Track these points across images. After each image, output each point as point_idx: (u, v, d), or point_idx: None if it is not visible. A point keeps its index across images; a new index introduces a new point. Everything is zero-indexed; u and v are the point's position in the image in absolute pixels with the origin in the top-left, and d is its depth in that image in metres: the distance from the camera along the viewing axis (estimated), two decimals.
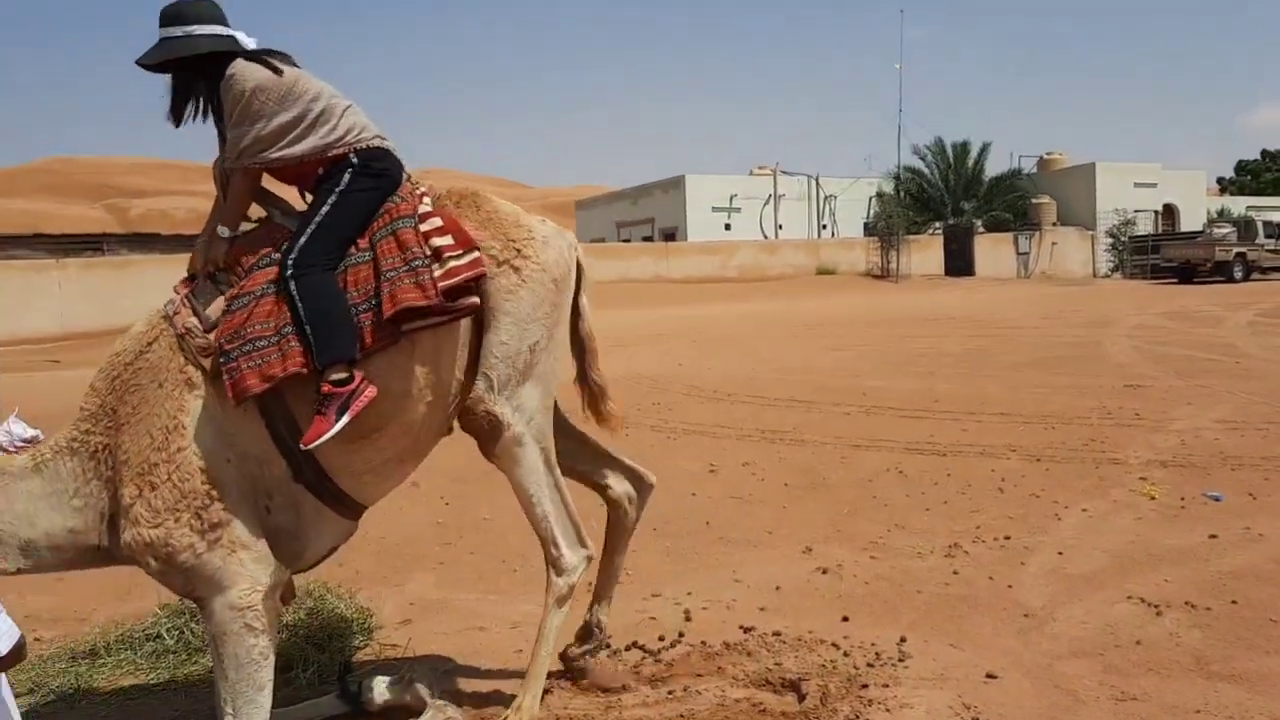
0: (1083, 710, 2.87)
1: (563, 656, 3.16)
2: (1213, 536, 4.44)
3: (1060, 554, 4.31)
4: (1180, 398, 8.23)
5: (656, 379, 10.67)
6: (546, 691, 2.92)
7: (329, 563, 3.03)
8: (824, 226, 40.45)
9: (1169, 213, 41.75)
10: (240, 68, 2.56)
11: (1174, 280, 30.92)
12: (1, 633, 1.91)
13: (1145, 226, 39.17)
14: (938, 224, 39.01)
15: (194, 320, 2.53)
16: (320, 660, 3.25)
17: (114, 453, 2.49)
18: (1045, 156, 43.70)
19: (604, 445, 3.21)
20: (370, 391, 2.48)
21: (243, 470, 2.50)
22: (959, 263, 35.83)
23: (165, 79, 2.68)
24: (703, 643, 3.42)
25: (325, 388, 2.44)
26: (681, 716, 2.89)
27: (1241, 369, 9.96)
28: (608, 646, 3.32)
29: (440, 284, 2.52)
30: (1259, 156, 63.00)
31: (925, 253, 35.80)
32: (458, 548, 4.84)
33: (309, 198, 2.72)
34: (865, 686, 3.02)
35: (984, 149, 40.97)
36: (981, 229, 37.70)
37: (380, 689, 2.84)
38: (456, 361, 2.67)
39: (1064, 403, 8.15)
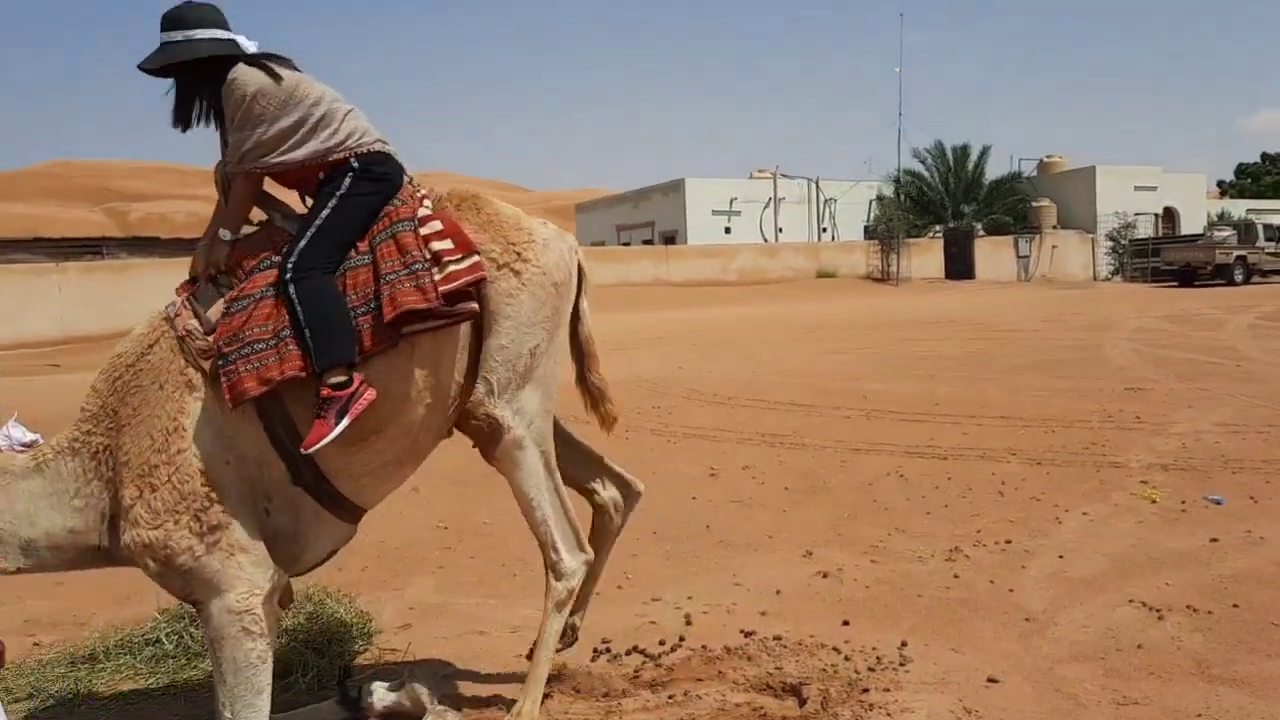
0: (1084, 714, 2.87)
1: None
2: (1214, 540, 4.44)
3: (1061, 557, 4.31)
4: (1181, 401, 8.22)
5: (656, 382, 10.67)
6: (546, 696, 2.91)
7: (329, 567, 3.03)
8: (824, 230, 40.47)
9: (1169, 216, 41.76)
10: (241, 72, 2.56)
11: (1174, 283, 30.91)
12: None
13: (1145, 229, 39.18)
14: (938, 227, 39.02)
15: (195, 323, 2.54)
16: (320, 665, 3.24)
17: (115, 454, 2.50)
18: (1045, 160, 43.73)
19: (595, 450, 3.21)
20: (369, 394, 2.48)
21: (242, 473, 2.50)
22: (959, 266, 35.84)
23: (168, 83, 2.68)
24: (703, 647, 3.42)
25: (324, 391, 2.44)
26: None
27: (1242, 372, 9.95)
28: (607, 651, 3.31)
29: (440, 288, 2.52)
30: (1259, 159, 62.98)
31: (925, 256, 35.82)
32: (457, 552, 4.84)
33: (310, 201, 2.72)
34: (866, 691, 3.02)
35: (984, 152, 41.09)
36: (982, 232, 37.71)
37: (380, 694, 2.84)
38: (456, 364, 2.67)
39: (1064, 406, 8.15)
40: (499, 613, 3.93)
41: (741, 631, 3.55)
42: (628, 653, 3.40)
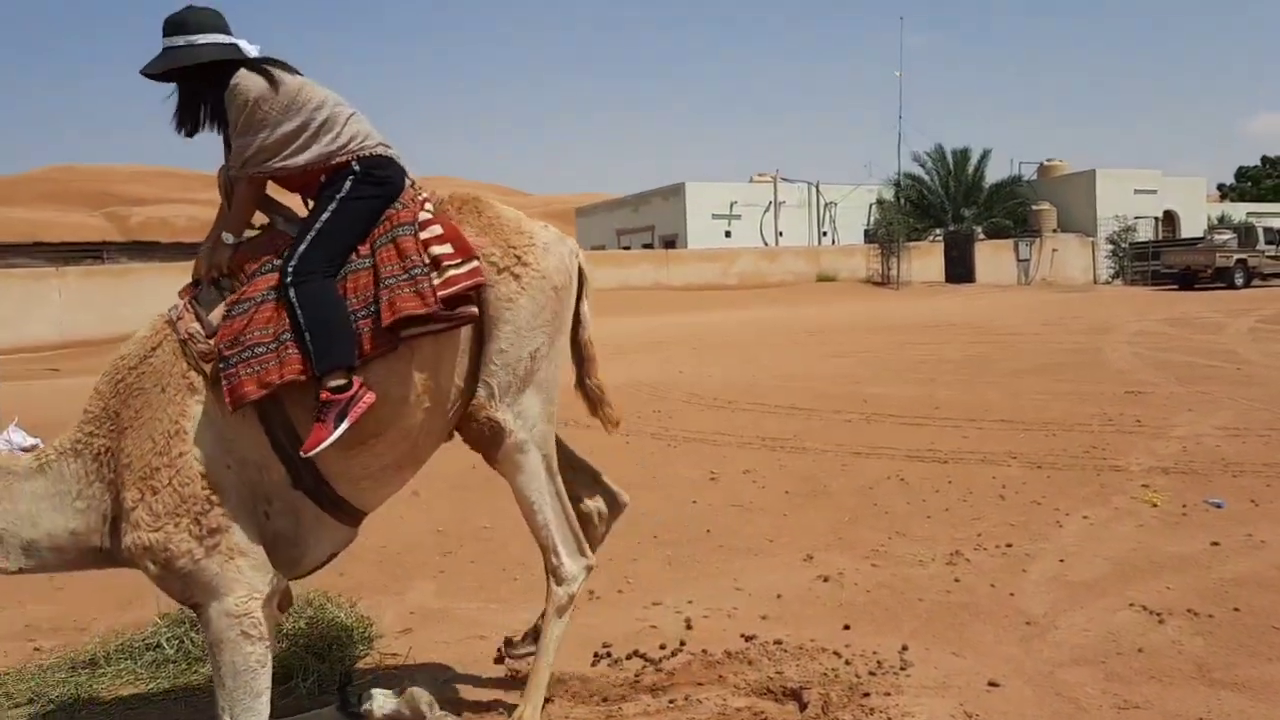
0: (1085, 718, 2.86)
1: (506, 645, 3.21)
2: (1214, 543, 4.43)
3: (1062, 561, 4.30)
4: (1181, 404, 8.22)
5: (657, 386, 10.67)
6: (548, 701, 2.91)
7: (329, 571, 3.03)
8: (824, 233, 40.49)
9: (1169, 219, 41.77)
10: (244, 77, 2.57)
11: (1174, 286, 30.91)
12: None
13: (1146, 233, 39.17)
14: (938, 231, 39.03)
15: (196, 326, 2.54)
16: (320, 669, 3.23)
17: (116, 456, 2.50)
18: (1045, 163, 43.75)
19: (583, 458, 3.21)
20: (369, 398, 2.48)
21: (242, 476, 2.50)
22: (959, 269, 35.85)
23: (170, 88, 2.69)
24: (704, 651, 3.41)
25: (324, 395, 2.44)
26: None
27: (1243, 375, 9.95)
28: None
29: (439, 293, 2.53)
30: (1259, 163, 63.07)
31: (926, 259, 35.84)
32: (458, 556, 4.83)
33: (313, 205, 2.73)
34: (867, 695, 3.01)
35: (984, 156, 41.06)
36: (982, 236, 37.73)
37: (380, 701, 2.83)
38: (456, 368, 2.67)
39: (1065, 409, 8.15)
40: (500, 617, 3.92)
41: (742, 636, 3.55)
42: (628, 657, 3.40)
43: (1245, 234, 31.08)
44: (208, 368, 2.49)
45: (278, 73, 2.62)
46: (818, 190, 40.59)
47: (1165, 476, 5.74)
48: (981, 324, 18.45)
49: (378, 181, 2.70)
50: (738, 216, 38.71)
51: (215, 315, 2.55)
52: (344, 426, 2.43)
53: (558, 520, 2.84)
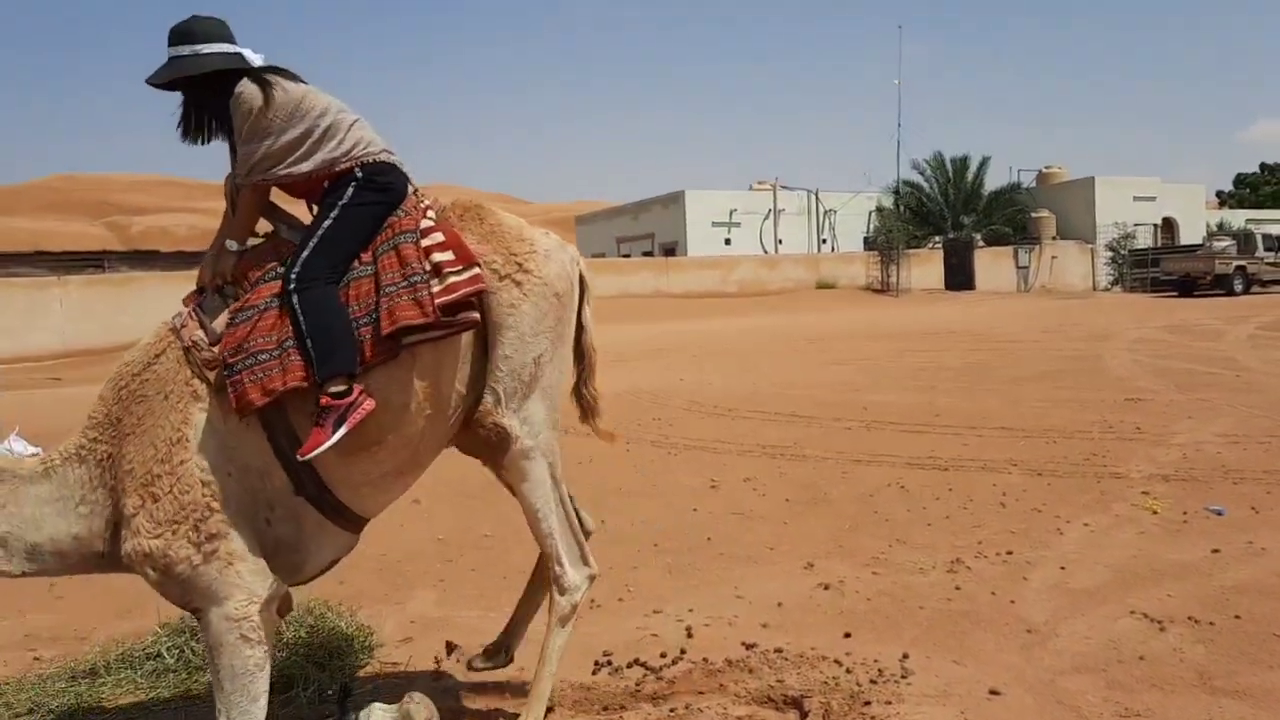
0: None
1: (468, 662, 3.23)
2: (1215, 551, 4.43)
3: (1062, 569, 4.30)
4: (1181, 411, 8.22)
5: (657, 394, 10.67)
6: (549, 710, 2.91)
7: (329, 580, 3.03)
8: (824, 241, 40.55)
9: (1168, 226, 41.85)
10: (248, 86, 2.58)
11: (1174, 293, 30.93)
12: None
13: (1145, 240, 39.24)
14: (937, 238, 39.09)
15: (200, 333, 2.55)
16: (321, 679, 3.23)
17: (118, 462, 2.51)
18: (1044, 170, 43.86)
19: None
20: (368, 404, 2.48)
21: (244, 483, 2.50)
22: (959, 277, 35.88)
23: (174, 97, 2.70)
24: (704, 659, 3.41)
25: (324, 400, 2.45)
26: None
27: (1242, 382, 9.95)
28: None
29: (439, 300, 2.54)
30: (1258, 170, 63.18)
31: (925, 267, 35.86)
32: (459, 565, 4.83)
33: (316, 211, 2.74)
34: (868, 704, 3.01)
35: (983, 163, 41.15)
36: (981, 243, 37.79)
37: (380, 716, 2.82)
38: (457, 375, 2.67)
39: (1065, 417, 8.15)
40: (500, 626, 3.90)
41: (743, 644, 3.54)
42: (629, 665, 3.40)
43: (1244, 241, 31.09)
44: (211, 375, 2.50)
45: (282, 81, 2.64)
46: (817, 198, 40.66)
47: (1166, 484, 5.74)
48: (981, 331, 18.46)
49: (380, 188, 2.71)
50: (737, 224, 38.78)
51: (219, 323, 2.56)
52: (342, 431, 2.43)
53: (562, 529, 2.85)
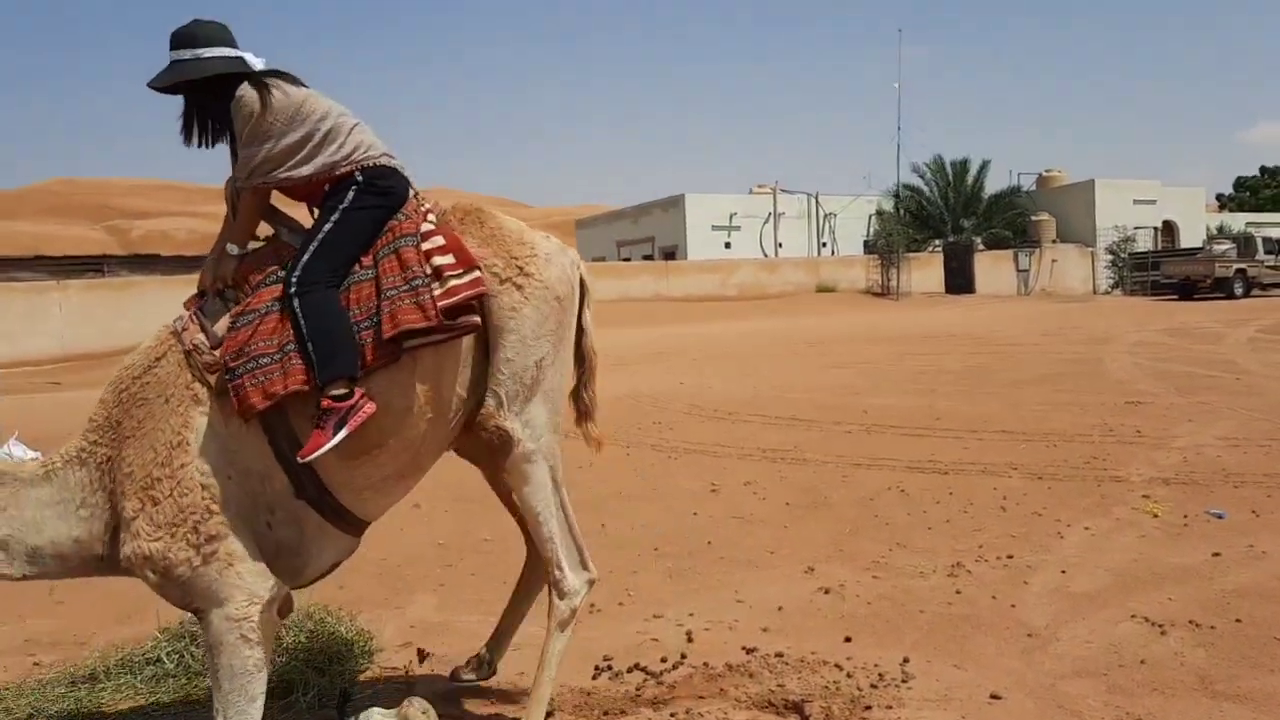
0: None
1: (452, 673, 3.23)
2: (1216, 554, 4.43)
3: (1063, 573, 4.30)
4: (1181, 415, 8.22)
5: (657, 398, 10.67)
6: (549, 715, 2.90)
7: (329, 584, 3.03)
8: (824, 244, 40.56)
9: (1168, 229, 41.85)
10: (248, 89, 2.59)
11: (1174, 297, 30.95)
12: None
13: (1145, 243, 39.27)
14: (937, 241, 39.10)
15: (201, 337, 2.55)
16: (321, 683, 3.22)
17: (118, 465, 2.51)
18: (1044, 174, 43.85)
19: None
20: (369, 407, 2.48)
21: (244, 486, 2.50)
22: (959, 280, 35.89)
23: (175, 101, 2.71)
24: (705, 664, 3.41)
25: (324, 403, 2.45)
26: None
27: (1242, 385, 9.95)
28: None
29: (440, 303, 2.54)
30: (1258, 173, 63.20)
31: (925, 270, 35.87)
32: (459, 569, 4.83)
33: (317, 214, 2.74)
34: (869, 708, 3.01)
35: (983, 166, 41.20)
36: (981, 246, 37.80)
37: None
38: (458, 378, 2.67)
39: (1065, 420, 8.15)
40: None
41: (743, 648, 3.54)
42: (629, 670, 3.39)
43: (1244, 244, 31.13)
44: (212, 379, 2.50)
45: (282, 84, 2.64)
46: (817, 201, 40.67)
47: (1166, 487, 5.73)
48: (981, 334, 18.46)
49: (381, 192, 2.71)
50: (737, 228, 38.79)
51: (220, 326, 2.56)
52: (343, 434, 2.43)
53: (562, 533, 2.85)
